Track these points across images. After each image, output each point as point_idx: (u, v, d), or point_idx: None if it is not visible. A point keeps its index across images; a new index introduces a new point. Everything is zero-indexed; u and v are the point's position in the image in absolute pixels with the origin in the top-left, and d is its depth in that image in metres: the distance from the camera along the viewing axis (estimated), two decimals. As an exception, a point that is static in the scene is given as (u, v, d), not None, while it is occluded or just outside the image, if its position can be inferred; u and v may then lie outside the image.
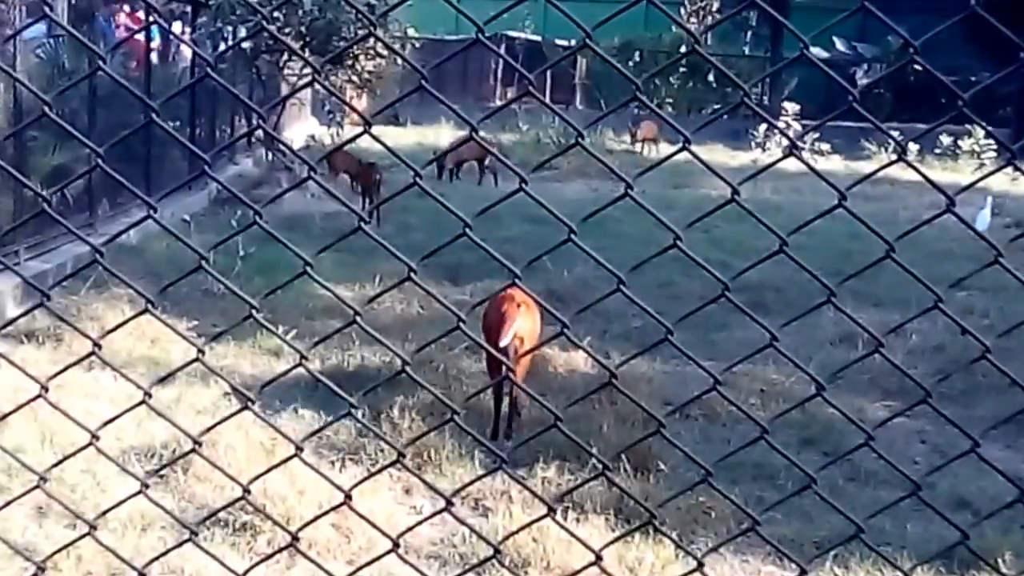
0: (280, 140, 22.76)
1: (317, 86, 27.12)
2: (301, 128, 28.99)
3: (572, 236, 2.82)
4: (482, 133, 2.91)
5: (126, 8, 24.63)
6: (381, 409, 9.24)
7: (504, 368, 8.65)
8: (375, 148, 20.49)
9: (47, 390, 2.98)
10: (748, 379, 10.46)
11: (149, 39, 19.60)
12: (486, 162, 23.62)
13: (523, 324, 8.95)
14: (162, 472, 7.78)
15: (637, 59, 40.10)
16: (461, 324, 2.87)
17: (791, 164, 3.09)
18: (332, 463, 8.36)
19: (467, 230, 2.77)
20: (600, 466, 3.24)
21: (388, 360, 10.19)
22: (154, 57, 20.69)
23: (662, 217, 2.82)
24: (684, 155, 2.89)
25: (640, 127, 31.11)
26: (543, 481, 8.20)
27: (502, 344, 8.80)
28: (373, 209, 17.84)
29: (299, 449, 2.98)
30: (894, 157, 3.01)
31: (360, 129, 2.86)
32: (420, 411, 9.17)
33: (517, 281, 2.85)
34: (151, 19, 17.72)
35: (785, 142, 29.51)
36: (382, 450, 8.51)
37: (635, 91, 2.71)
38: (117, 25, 24.13)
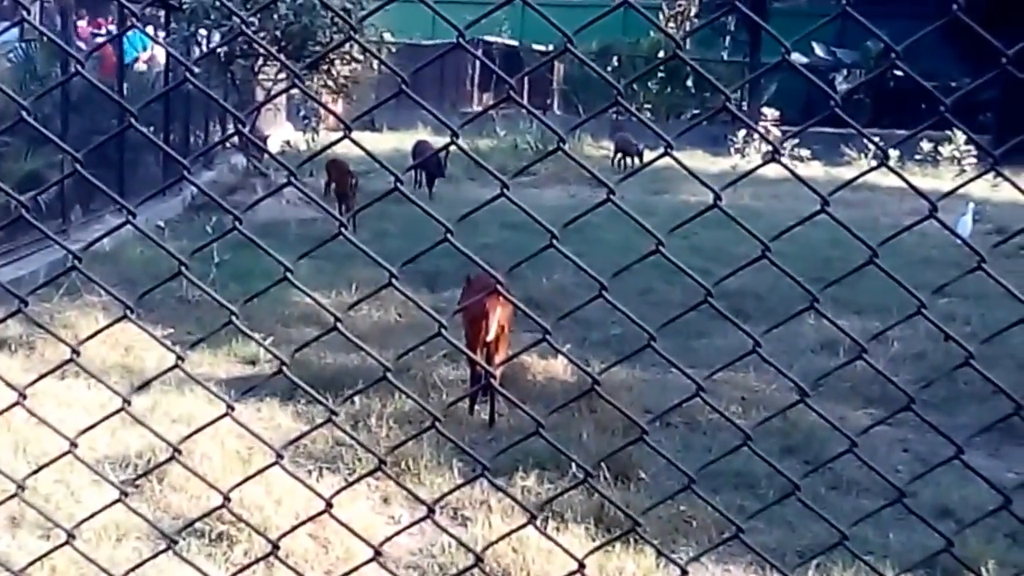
0: (260, 144, 22.73)
1: (293, 91, 27.27)
2: (276, 134, 28.97)
3: (554, 242, 2.84)
4: (460, 140, 2.93)
5: (83, 21, 24.53)
6: (359, 418, 9.26)
7: (486, 363, 8.87)
8: (352, 154, 20.47)
9: (25, 397, 2.98)
10: (729, 387, 10.49)
11: (122, 46, 19.55)
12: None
13: (503, 316, 9.28)
14: (137, 482, 7.77)
15: (615, 64, 40.18)
16: (443, 331, 2.88)
17: (770, 170, 3.12)
18: (309, 472, 8.35)
19: (449, 235, 2.78)
20: (581, 474, 3.24)
21: (366, 367, 10.19)
22: (142, 66, 20.70)
23: (644, 223, 2.84)
24: (664, 161, 2.91)
25: (619, 139, 30.32)
26: (523, 490, 8.20)
27: (488, 338, 9.11)
28: (352, 216, 17.83)
29: (279, 456, 2.98)
30: (874, 163, 3.03)
31: (339, 135, 2.88)
32: (398, 419, 9.19)
33: (498, 286, 2.86)
34: (129, 23, 17.67)
35: (764, 147, 29.58)
36: (359, 459, 8.50)
37: (616, 96, 2.73)
38: (80, 37, 24.04)
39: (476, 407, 9.82)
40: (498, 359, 9.38)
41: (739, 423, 3.33)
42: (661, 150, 2.85)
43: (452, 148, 2.84)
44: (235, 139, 24.41)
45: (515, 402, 3.39)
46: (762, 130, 29.74)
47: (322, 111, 26.87)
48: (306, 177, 22.21)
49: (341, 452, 8.67)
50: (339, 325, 2.91)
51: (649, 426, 3.26)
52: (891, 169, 3.02)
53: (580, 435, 8.99)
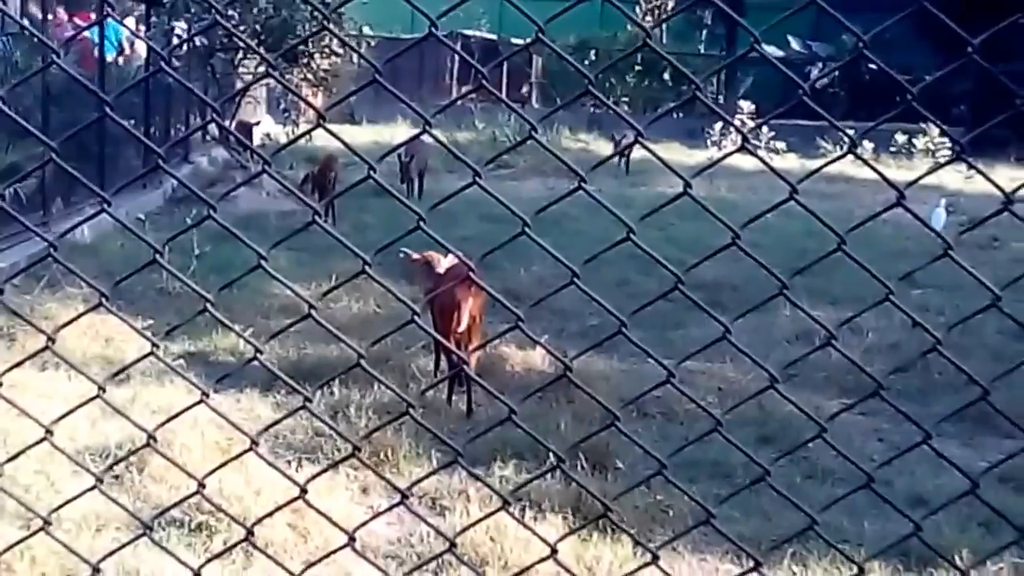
0: (238, 136, 22.66)
1: (272, 84, 27.22)
2: (257, 128, 28.91)
3: (526, 229, 2.84)
4: (437, 131, 2.93)
5: (61, 13, 24.42)
6: (337, 408, 9.26)
7: (457, 355, 8.88)
8: (331, 146, 20.44)
9: (0, 385, 2.97)
10: (706, 377, 10.52)
11: (102, 40, 19.47)
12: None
13: (476, 306, 9.29)
14: (117, 472, 7.75)
15: (593, 58, 40.15)
16: (416, 319, 2.88)
17: (746, 163, 3.14)
18: (288, 462, 8.34)
19: (421, 223, 2.78)
20: (556, 462, 3.25)
21: (345, 358, 10.18)
22: (119, 59, 20.63)
23: (617, 212, 2.84)
24: (641, 153, 2.92)
25: (626, 138, 29.82)
26: (501, 479, 8.21)
27: (460, 329, 9.11)
28: (328, 204, 17.76)
29: (254, 443, 2.98)
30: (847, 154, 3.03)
31: (315, 124, 2.87)
32: (377, 410, 9.19)
33: (471, 274, 2.86)
34: (105, 13, 17.61)
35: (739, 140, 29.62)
36: (338, 449, 8.50)
37: (587, 85, 2.73)
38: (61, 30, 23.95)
39: (454, 398, 9.82)
40: (471, 348, 9.39)
41: (715, 413, 3.32)
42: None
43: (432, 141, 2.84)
44: (215, 132, 24.35)
45: (489, 389, 3.39)
46: (737, 123, 29.71)
47: (303, 105, 26.82)
48: (286, 170, 22.19)
49: (320, 443, 8.66)
50: (313, 312, 2.91)
51: (626, 416, 3.27)
52: (859, 157, 3.03)
53: (558, 425, 8.99)
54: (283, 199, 19.64)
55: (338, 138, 3.04)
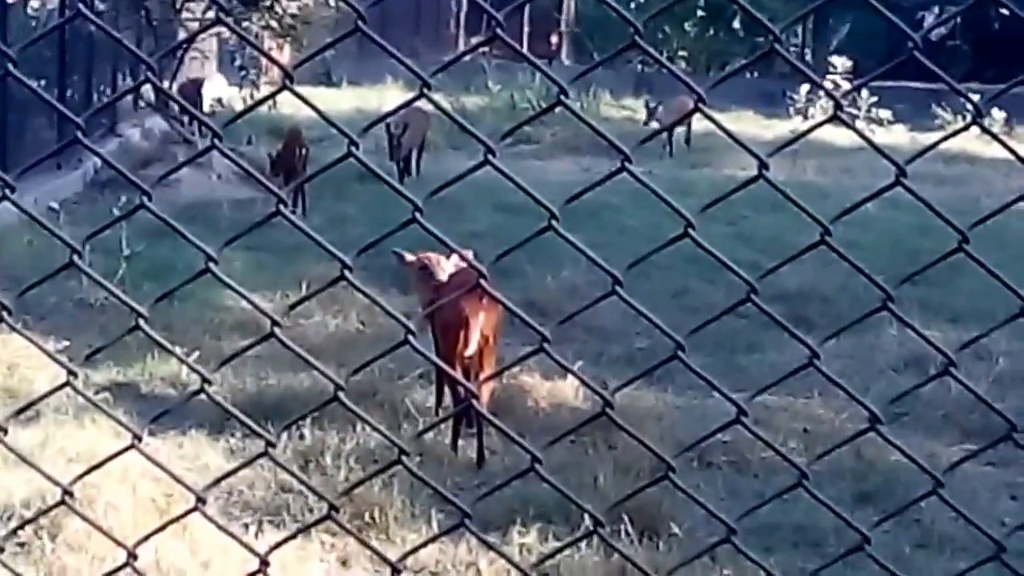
0: (178, 100, 22.69)
1: (225, 34, 27.22)
2: (205, 89, 28.94)
3: (553, 223, 2.83)
4: (438, 96, 2.93)
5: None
6: (309, 456, 9.24)
7: (465, 386, 8.82)
8: (301, 115, 20.45)
9: None
10: (788, 415, 10.47)
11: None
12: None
13: (488, 323, 9.19)
14: (22, 539, 7.74)
15: (640, 0, 40.14)
16: (411, 339, 2.88)
17: (840, 137, 3.13)
18: (245, 526, 8.34)
19: (418, 215, 2.78)
20: (594, 526, 3.24)
21: (319, 390, 10.17)
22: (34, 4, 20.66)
23: (671, 200, 2.83)
24: (703, 126, 2.93)
25: (666, 107, 26.82)
26: (521, 548, 8.20)
27: (468, 353, 9.01)
28: (296, 190, 17.68)
29: (201, 500, 2.98)
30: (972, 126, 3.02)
31: (280, 87, 2.86)
32: (360, 458, 9.16)
33: (482, 281, 2.86)
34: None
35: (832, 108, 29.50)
36: (310, 509, 8.49)
37: (633, 36, 2.72)
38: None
39: (460, 442, 9.80)
40: (484, 378, 9.34)
41: (799, 462, 3.32)
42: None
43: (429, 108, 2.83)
44: (151, 96, 24.36)
45: (506, 431, 3.37)
46: (829, 85, 29.63)
47: (264, 61, 26.85)
48: (243, 146, 22.18)
49: (287, 500, 8.65)
50: (277, 331, 2.90)
51: (683, 466, 3.26)
52: (987, 131, 3.02)
53: (595, 478, 8.97)
54: (238, 184, 19.65)
55: (309, 104, 3.04)
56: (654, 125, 26.12)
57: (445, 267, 9.79)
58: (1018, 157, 2.91)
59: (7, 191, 2.81)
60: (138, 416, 10.01)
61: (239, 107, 25.34)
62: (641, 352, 12.12)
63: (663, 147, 24.16)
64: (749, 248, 15.18)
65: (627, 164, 2.77)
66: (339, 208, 17.92)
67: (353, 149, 2.80)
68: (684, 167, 22.88)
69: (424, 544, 7.24)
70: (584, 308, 3.27)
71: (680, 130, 26.69)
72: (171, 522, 3.35)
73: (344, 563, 8.05)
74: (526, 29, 39.90)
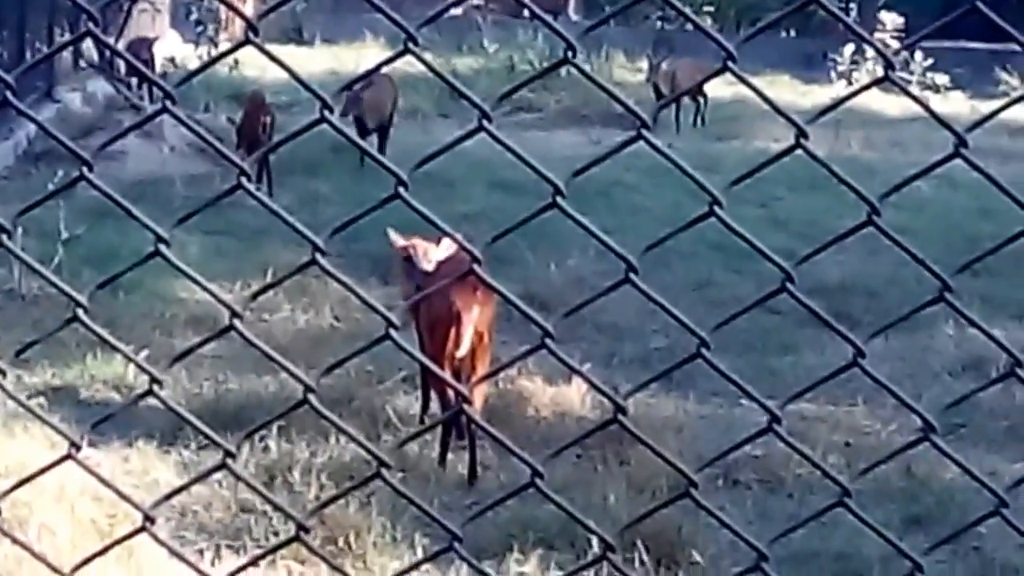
0: (125, 56, 22.61)
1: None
2: (157, 48, 28.92)
3: (559, 200, 2.83)
4: (429, 55, 2.93)
5: None
6: (274, 470, 9.24)
7: (455, 389, 8.77)
8: (267, 77, 20.43)
9: None
10: (827, 426, 10.47)
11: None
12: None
13: (483, 317, 9.17)
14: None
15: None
16: (392, 334, 2.88)
17: (890, 105, 3.12)
18: (201, 552, 8.36)
19: (400, 189, 2.78)
20: (602, 551, 3.25)
21: (286, 394, 10.18)
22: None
23: (696, 174, 2.83)
24: (731, 92, 2.92)
25: (672, 68, 26.78)
26: (519, 578, 8.23)
27: (460, 354, 8.99)
28: (260, 163, 17.59)
29: (149, 520, 2.99)
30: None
31: (241, 41, 2.86)
32: (333, 473, 9.17)
33: (476, 269, 2.85)
34: None
35: (880, 70, 29.52)
36: (275, 531, 8.50)
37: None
38: None
39: (449, 455, 9.79)
40: (476, 380, 9.32)
41: (840, 479, 3.32)
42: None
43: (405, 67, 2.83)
44: (94, 55, 24.34)
45: (503, 441, 3.36)
46: (877, 43, 29.58)
47: (226, 13, 26.85)
48: (200, 113, 22.17)
49: (248, 522, 8.66)
50: (238, 324, 2.91)
51: (707, 483, 3.26)
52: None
53: (605, 497, 8.98)
54: (193, 157, 19.61)
55: (275, 60, 3.03)
56: (663, 88, 25.57)
57: (433, 254, 9.71)
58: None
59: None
60: (77, 424, 10.01)
61: (193, 66, 25.28)
62: (658, 353, 12.14)
63: (678, 116, 23.54)
64: (783, 233, 15.18)
65: (645, 133, 2.77)
66: (310, 186, 17.92)
67: (327, 114, 2.80)
68: (709, 139, 22.86)
69: (407, 571, 7.26)
70: (592, 299, 3.26)
71: (690, 105, 25.83)
72: (114, 544, 3.35)
73: (315, 595, 8.08)
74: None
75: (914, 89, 28.30)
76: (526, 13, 26.31)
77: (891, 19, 31.65)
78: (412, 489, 9.15)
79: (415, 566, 7.37)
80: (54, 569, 3.26)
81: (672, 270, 13.22)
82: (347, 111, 19.50)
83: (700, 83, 23.32)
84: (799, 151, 2.88)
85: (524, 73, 29.43)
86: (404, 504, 7.57)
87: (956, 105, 28.43)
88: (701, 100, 25.59)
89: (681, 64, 26.35)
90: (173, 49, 28.69)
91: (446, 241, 9.33)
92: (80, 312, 2.94)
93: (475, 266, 2.96)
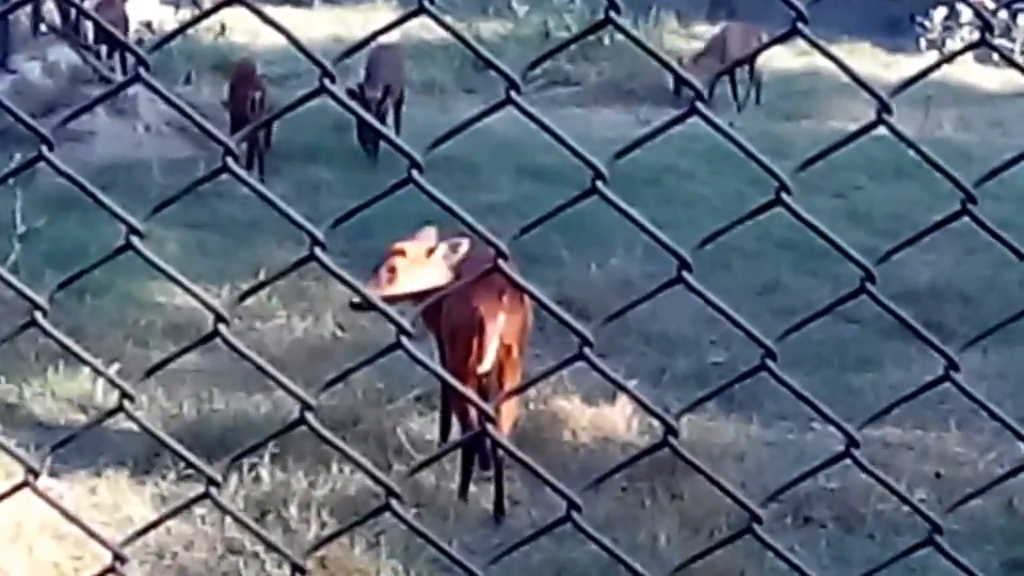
0: (95, 17, 22.66)
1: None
2: (130, 9, 28.96)
3: (600, 186, 2.83)
4: (449, 19, 2.93)
5: None
6: (268, 503, 9.25)
7: (480, 408, 8.74)
8: (257, 44, 20.44)
9: None
10: (914, 454, 10.47)
11: None
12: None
13: (511, 325, 9.11)
14: None
15: None
16: (405, 343, 2.89)
17: (988, 78, 3.11)
18: (182, 598, 8.39)
19: (414, 173, 2.78)
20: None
21: (281, 415, 10.19)
22: None
23: (762, 157, 2.83)
24: (801, 63, 2.92)
25: (723, 34, 26.36)
26: (554, 630, 8.25)
27: (483, 369, 8.95)
28: (247, 140, 17.42)
29: (120, 560, 3.00)
30: None
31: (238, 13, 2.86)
32: (336, 507, 9.19)
33: (502, 263, 2.85)
34: None
35: (975, 35, 29.51)
36: (268, 574, 8.52)
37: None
38: None
39: (472, 487, 9.79)
40: (502, 398, 9.29)
41: (929, 514, 3.32)
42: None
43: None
44: (56, 19, 24.40)
45: (535, 468, 3.34)
46: (974, 2, 29.55)
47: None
48: (180, 85, 22.21)
49: (238, 565, 8.69)
50: (224, 330, 2.91)
51: (773, 519, 3.26)
52: None
53: (655, 536, 9.00)
54: (173, 138, 19.64)
55: (268, 20, 3.03)
56: (710, 58, 24.94)
57: (451, 254, 9.59)
58: None
59: None
60: (36, 448, 10.05)
61: (170, 30, 25.27)
62: (716, 368, 12.13)
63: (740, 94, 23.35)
64: (864, 228, 15.14)
65: (700, 107, 2.77)
66: (309, 172, 17.94)
67: (327, 83, 2.80)
68: (776, 118, 22.80)
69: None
70: (638, 302, 3.25)
71: (746, 81, 25.41)
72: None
73: (315, 646, 8.10)
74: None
75: (1018, 58, 28.35)
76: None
77: (990, -23, 31.65)
78: (428, 526, 9.17)
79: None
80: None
81: (733, 271, 13.22)
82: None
83: (755, 52, 23.05)
84: (882, 129, 2.87)
85: (558, 40, 29.44)
86: (419, 543, 7.60)
87: (1067, 79, 28.42)
88: (756, 74, 25.03)
89: (732, 28, 26.13)
90: (149, 12, 28.70)
91: (467, 240, 9.27)
92: (39, 317, 2.95)
93: (501, 263, 2.94)
